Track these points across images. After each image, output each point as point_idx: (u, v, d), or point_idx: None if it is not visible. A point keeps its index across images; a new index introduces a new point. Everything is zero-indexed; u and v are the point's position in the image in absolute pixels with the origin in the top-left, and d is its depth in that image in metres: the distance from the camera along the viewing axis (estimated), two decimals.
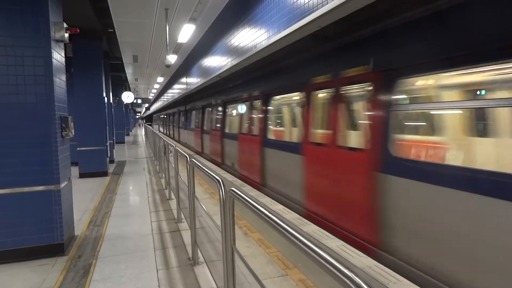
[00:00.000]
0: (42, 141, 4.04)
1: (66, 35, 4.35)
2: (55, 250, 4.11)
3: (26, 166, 3.99)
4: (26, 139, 3.98)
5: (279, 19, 5.95)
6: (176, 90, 28.98)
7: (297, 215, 5.70)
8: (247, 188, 7.88)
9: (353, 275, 1.01)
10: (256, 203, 1.93)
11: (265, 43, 6.44)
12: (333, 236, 4.71)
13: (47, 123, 4.05)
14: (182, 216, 5.27)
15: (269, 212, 1.78)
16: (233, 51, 10.03)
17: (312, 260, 1.24)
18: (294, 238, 1.37)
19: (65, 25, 4.31)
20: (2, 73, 3.89)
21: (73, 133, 4.58)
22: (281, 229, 1.49)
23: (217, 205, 6.06)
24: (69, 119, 4.42)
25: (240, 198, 2.04)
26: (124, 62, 14.70)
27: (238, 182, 8.69)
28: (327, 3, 4.48)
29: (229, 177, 9.37)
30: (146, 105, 59.70)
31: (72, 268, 3.79)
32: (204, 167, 3.36)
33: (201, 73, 17.06)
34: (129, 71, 17.95)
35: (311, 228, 5.00)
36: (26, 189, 3.99)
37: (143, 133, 33.65)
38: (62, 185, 4.20)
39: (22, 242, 4.01)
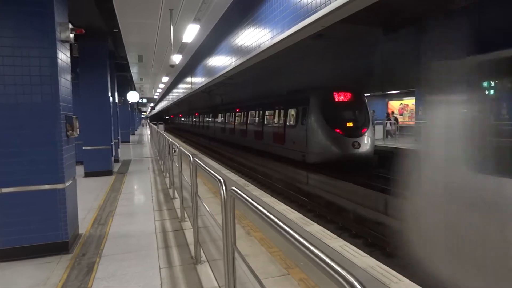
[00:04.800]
0: (47, 141, 4.10)
1: (72, 35, 4.40)
2: (59, 248, 4.17)
3: (33, 165, 4.05)
4: (33, 138, 4.05)
5: (283, 19, 5.97)
6: (181, 90, 29.08)
7: (300, 215, 5.72)
8: (251, 187, 7.90)
9: (346, 273, 1.03)
10: (257, 203, 1.95)
11: (268, 43, 6.47)
12: (336, 236, 4.73)
13: (52, 122, 4.10)
14: (186, 215, 5.31)
15: (269, 212, 1.80)
16: (237, 51, 10.04)
17: (306, 258, 1.26)
18: (289, 236, 1.40)
19: (70, 25, 4.36)
20: (10, 74, 3.96)
21: (78, 133, 4.63)
22: (278, 227, 1.52)
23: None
24: (74, 118, 4.47)
25: (241, 197, 2.07)
26: (129, 62, 14.76)
27: (242, 181, 8.72)
28: (330, 3, 4.50)
29: (233, 176, 9.40)
30: (151, 104, 59.89)
31: (76, 266, 3.84)
32: (206, 167, 3.39)
33: (206, 72, 17.11)
34: (134, 71, 18.02)
35: (314, 228, 5.01)
36: (33, 187, 4.06)
37: (148, 132, 33.78)
38: (67, 184, 4.26)
39: (28, 240, 4.08)
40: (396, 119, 21.96)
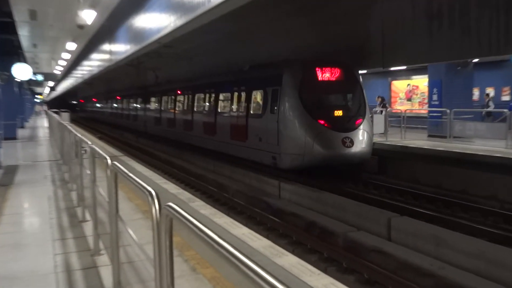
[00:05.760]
0: None
1: None
2: None
3: None
4: None
5: None
6: (95, 63, 28.46)
7: (269, 243, 5.74)
8: (198, 204, 7.86)
9: None
10: (205, 225, 1.90)
11: None
12: (319, 271, 4.78)
13: None
14: (101, 246, 5.19)
15: (223, 239, 1.76)
16: (178, 7, 9.93)
17: None
18: (253, 273, 1.37)
19: None
20: None
21: None
22: (235, 260, 1.48)
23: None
24: None
25: (181, 217, 2.02)
26: (16, 20, 14.26)
27: (186, 195, 8.65)
28: None
29: (173, 188, 9.30)
30: (51, 83, 58.22)
31: None
32: (132, 174, 3.31)
33: (132, 37, 16.81)
34: (24, 33, 17.43)
35: (289, 261, 5.05)
36: None
37: (46, 124, 32.81)
38: None
39: None
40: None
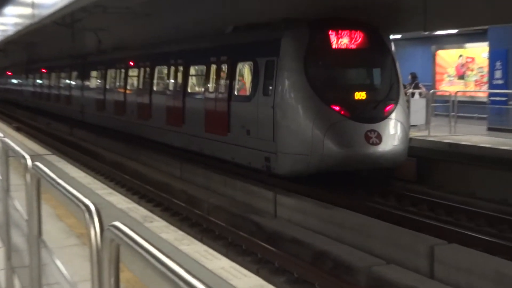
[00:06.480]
0: None
1: None
2: None
3: None
4: None
5: None
6: (10, 20, 28.30)
7: (260, 281, 5.75)
8: (158, 224, 7.84)
9: None
10: (166, 255, 1.88)
11: None
12: None
13: None
14: (17, 285, 5.19)
15: (191, 275, 1.74)
16: None
17: None
18: None
19: None
20: None
21: None
22: None
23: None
24: None
25: (132, 243, 1.99)
26: None
27: (141, 212, 8.64)
28: None
29: (122, 202, 9.27)
30: None
31: None
32: (62, 181, 3.29)
33: None
34: None
35: None
36: None
37: None
38: None
39: None
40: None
